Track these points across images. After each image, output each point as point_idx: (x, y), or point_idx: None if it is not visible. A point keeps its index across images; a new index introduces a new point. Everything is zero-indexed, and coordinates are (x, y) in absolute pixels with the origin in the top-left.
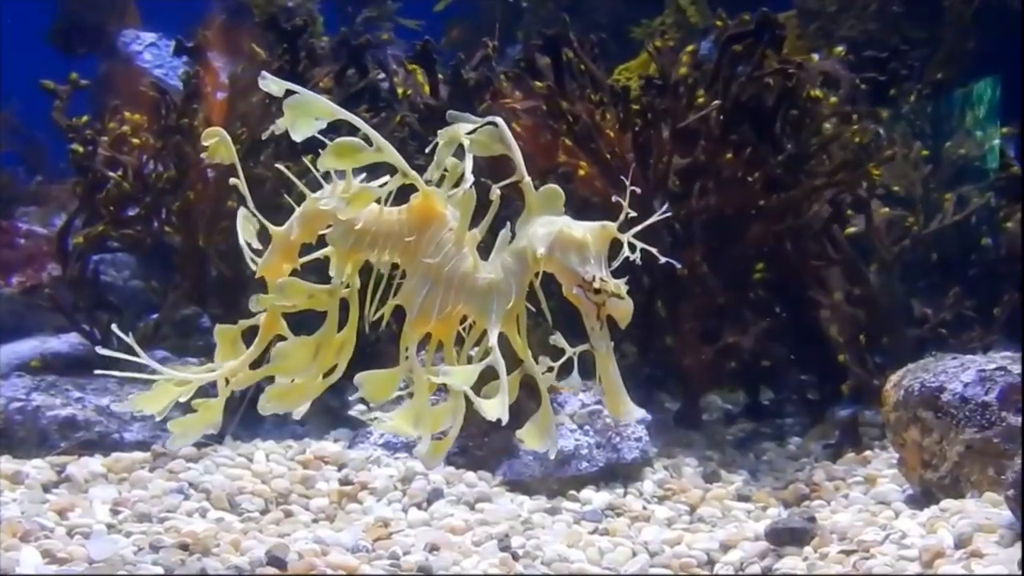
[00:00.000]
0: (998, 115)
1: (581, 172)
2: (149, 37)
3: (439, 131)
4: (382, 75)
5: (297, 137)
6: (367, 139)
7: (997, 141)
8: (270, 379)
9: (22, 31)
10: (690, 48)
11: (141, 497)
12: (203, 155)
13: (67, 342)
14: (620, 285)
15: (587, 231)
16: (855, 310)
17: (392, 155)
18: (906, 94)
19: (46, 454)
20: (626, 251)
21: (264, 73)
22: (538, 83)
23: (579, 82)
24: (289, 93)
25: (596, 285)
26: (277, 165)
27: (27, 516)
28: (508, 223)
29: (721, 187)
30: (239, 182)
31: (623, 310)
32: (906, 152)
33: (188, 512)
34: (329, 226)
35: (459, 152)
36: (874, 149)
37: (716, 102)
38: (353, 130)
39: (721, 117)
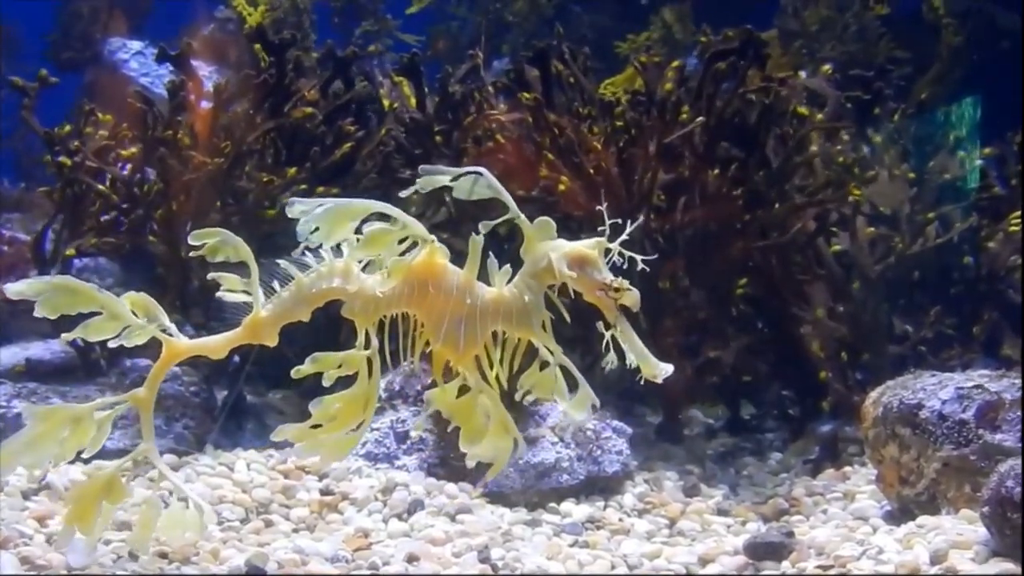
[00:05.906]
0: (979, 135)
1: (562, 187)
2: (135, 45)
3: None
4: (369, 87)
5: (330, 244)
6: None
7: (979, 161)
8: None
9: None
10: (675, 64)
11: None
12: (197, 251)
13: (49, 349)
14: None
15: (589, 247)
16: (837, 326)
17: (415, 227)
18: (890, 113)
19: None
20: (614, 257)
21: (292, 200)
22: (526, 94)
23: (567, 95)
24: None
25: (615, 285)
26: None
27: (7, 523)
28: (491, 255)
29: (705, 202)
30: (252, 281)
31: (634, 297)
32: (894, 172)
33: None
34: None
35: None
36: (859, 168)
37: (700, 119)
38: None
39: (705, 134)
